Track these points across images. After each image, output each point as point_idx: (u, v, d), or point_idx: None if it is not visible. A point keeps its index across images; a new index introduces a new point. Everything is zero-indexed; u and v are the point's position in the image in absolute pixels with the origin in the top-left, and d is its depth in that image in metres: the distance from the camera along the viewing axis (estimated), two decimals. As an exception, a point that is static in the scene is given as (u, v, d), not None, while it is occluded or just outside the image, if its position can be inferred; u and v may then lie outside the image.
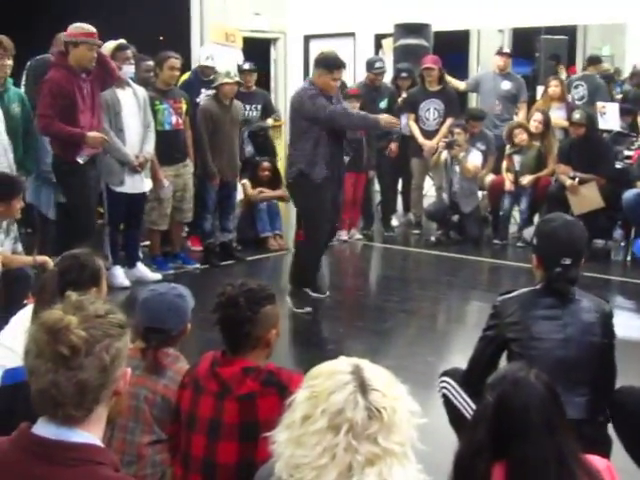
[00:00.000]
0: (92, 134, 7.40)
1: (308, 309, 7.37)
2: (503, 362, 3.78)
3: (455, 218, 10.32)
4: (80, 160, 7.45)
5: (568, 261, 3.70)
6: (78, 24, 7.49)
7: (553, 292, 3.75)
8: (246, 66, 10.76)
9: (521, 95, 10.96)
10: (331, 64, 7.15)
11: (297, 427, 1.97)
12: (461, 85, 11.32)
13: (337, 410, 1.90)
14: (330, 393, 1.91)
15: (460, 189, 10.09)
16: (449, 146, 10.01)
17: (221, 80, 8.91)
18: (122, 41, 8.12)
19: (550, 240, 3.79)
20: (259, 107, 10.54)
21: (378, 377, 1.95)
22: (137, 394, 3.49)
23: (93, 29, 7.46)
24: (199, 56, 9.71)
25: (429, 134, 10.63)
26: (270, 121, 10.87)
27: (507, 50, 11.34)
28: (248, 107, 10.24)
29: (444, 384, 4.05)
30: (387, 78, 11.12)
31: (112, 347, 2.07)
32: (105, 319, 2.10)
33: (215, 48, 11.18)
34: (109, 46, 8.00)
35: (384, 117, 7.42)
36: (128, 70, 8.09)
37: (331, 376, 1.94)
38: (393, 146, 10.60)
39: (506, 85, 10.85)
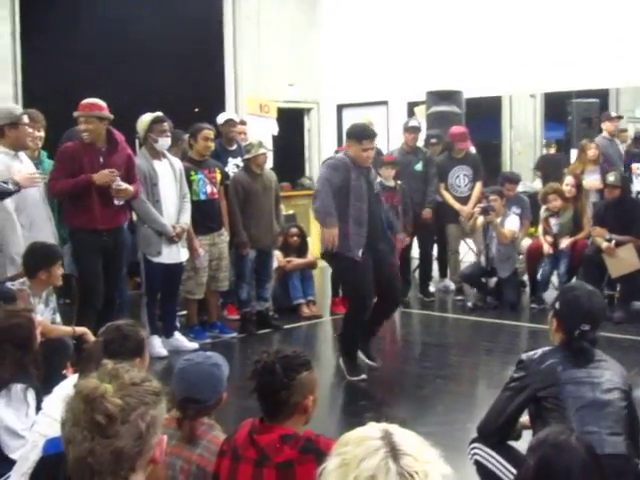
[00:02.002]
0: (98, 174, 7.35)
1: (363, 376, 7.31)
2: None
3: (493, 283, 10.28)
4: (117, 202, 7.51)
5: (587, 327, 3.92)
6: (87, 99, 7.52)
7: (575, 350, 3.92)
8: None
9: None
10: (359, 134, 7.19)
11: (329, 496, 1.95)
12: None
13: (369, 477, 1.87)
14: (361, 460, 1.88)
15: (497, 254, 10.07)
16: (485, 211, 10.01)
17: (255, 152, 9.00)
18: (159, 113, 8.23)
19: (572, 307, 4.00)
20: None
21: (409, 441, 1.92)
22: (173, 464, 3.49)
23: (92, 101, 7.47)
24: (218, 119, 9.75)
25: (462, 200, 10.74)
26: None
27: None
28: None
29: (475, 450, 4.04)
30: (420, 143, 11.20)
31: (148, 414, 2.08)
32: (141, 387, 2.11)
33: (249, 119, 11.30)
34: (145, 119, 8.13)
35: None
36: (164, 142, 8.19)
37: (361, 443, 1.92)
38: (427, 212, 10.62)
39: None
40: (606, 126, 11.04)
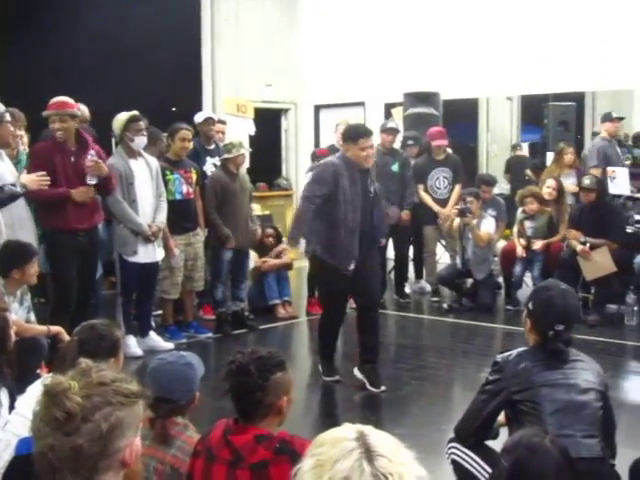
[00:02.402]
0: (77, 192, 7.33)
1: (337, 377, 7.30)
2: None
3: (469, 285, 10.31)
4: (91, 182, 7.44)
5: (561, 327, 3.87)
6: (55, 98, 7.44)
7: (549, 351, 3.89)
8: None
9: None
10: (354, 135, 7.08)
11: (304, 497, 1.95)
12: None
13: (343, 478, 1.85)
14: (335, 461, 1.87)
15: (473, 256, 10.10)
16: (462, 214, 10.03)
17: (236, 152, 8.98)
18: (135, 112, 8.20)
19: (546, 307, 3.95)
20: None
21: (384, 443, 1.92)
22: (147, 465, 3.47)
23: (62, 99, 7.38)
24: (196, 118, 9.71)
25: (441, 202, 10.76)
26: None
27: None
28: None
29: (452, 449, 4.05)
30: (397, 145, 11.20)
31: (112, 415, 2.06)
32: (109, 387, 2.10)
33: (227, 119, 11.28)
34: (122, 118, 8.09)
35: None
36: (140, 141, 8.16)
37: (336, 444, 1.91)
38: (405, 214, 10.62)
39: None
40: (606, 127, 10.89)
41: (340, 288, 7.14)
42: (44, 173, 7.13)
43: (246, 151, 9.17)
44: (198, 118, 9.70)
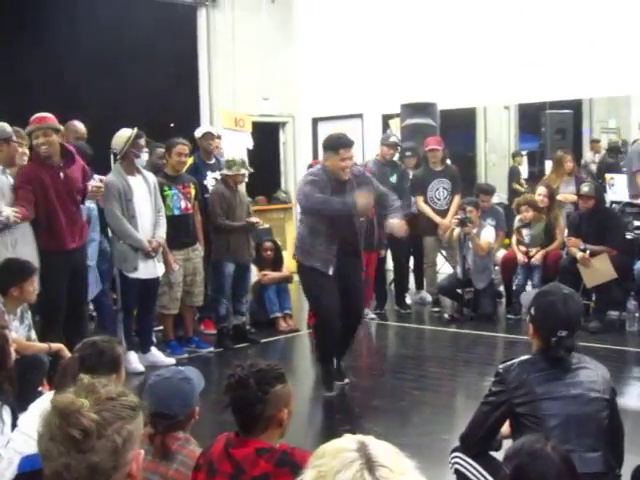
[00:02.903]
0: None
1: (334, 393, 7.32)
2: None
3: (469, 294, 10.31)
4: (89, 204, 7.54)
5: (564, 333, 3.79)
6: (38, 114, 7.37)
7: (551, 360, 3.82)
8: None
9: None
10: (336, 144, 7.08)
11: (305, 508, 1.95)
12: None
13: None
14: (337, 472, 1.86)
15: (473, 265, 10.11)
16: (462, 223, 10.05)
17: (236, 171, 9.01)
18: (136, 129, 8.22)
19: (547, 313, 3.87)
20: None
21: (384, 453, 1.91)
22: (149, 480, 3.47)
23: (43, 114, 7.31)
24: (196, 133, 9.76)
25: (441, 213, 10.78)
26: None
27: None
28: None
29: (456, 459, 4.03)
30: (395, 156, 11.23)
31: (124, 429, 2.07)
32: (117, 401, 2.11)
33: (224, 133, 11.31)
34: (126, 134, 8.10)
35: (361, 201, 7.05)
36: (144, 157, 8.22)
37: (337, 455, 1.91)
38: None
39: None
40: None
41: (328, 288, 7.13)
42: (17, 210, 7.01)
43: (247, 171, 9.19)
44: (197, 133, 9.74)
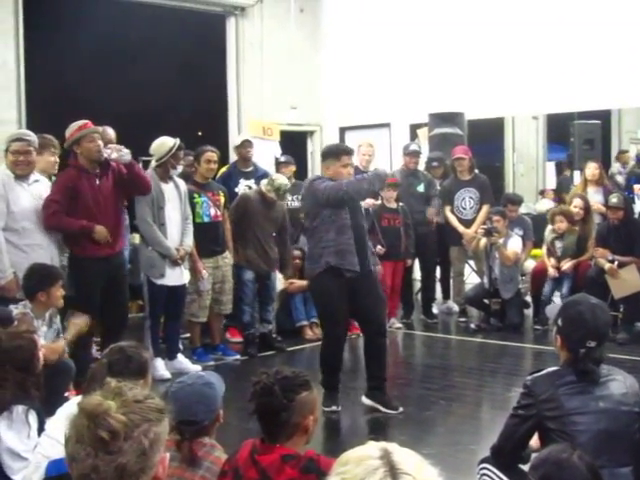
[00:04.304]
0: (98, 231, 7.37)
1: (334, 408, 7.08)
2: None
3: (496, 304, 10.26)
4: (110, 156, 7.49)
5: (593, 344, 3.73)
6: (72, 124, 7.50)
7: (579, 373, 3.75)
8: (282, 159, 10.96)
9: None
10: (338, 151, 7.05)
11: (330, 517, 1.95)
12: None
13: None
14: (360, 479, 1.88)
15: (500, 275, 10.07)
16: (488, 233, 10.02)
17: (273, 196, 9.12)
18: (178, 141, 8.28)
19: (575, 324, 3.81)
20: (300, 197, 10.58)
21: (408, 460, 1.92)
22: (175, 487, 3.48)
23: (85, 121, 7.46)
24: (234, 141, 9.89)
25: (467, 223, 10.74)
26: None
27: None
28: (290, 198, 10.36)
29: (484, 470, 3.99)
30: (421, 166, 11.23)
31: (151, 431, 2.09)
32: (144, 404, 2.13)
33: (253, 142, 11.36)
34: (168, 143, 8.19)
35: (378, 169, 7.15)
36: (179, 169, 8.28)
37: (360, 462, 1.91)
38: (430, 212, 10.71)
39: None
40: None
41: (340, 308, 7.01)
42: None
43: (284, 200, 9.29)
44: (236, 141, 9.90)
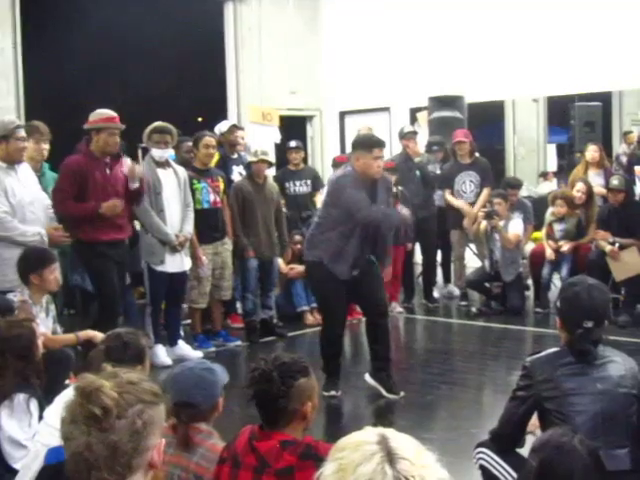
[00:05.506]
0: (106, 206, 7.39)
1: (333, 393, 7.09)
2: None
3: (497, 288, 10.25)
4: (133, 186, 7.59)
5: (590, 324, 3.76)
6: (99, 110, 7.57)
7: (577, 353, 3.78)
8: (292, 144, 10.76)
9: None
10: (368, 143, 6.89)
11: (326, 501, 1.94)
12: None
13: None
14: (357, 465, 1.87)
15: (501, 258, 10.06)
16: (488, 216, 10.00)
17: (261, 155, 9.05)
18: (158, 124, 8.22)
19: (572, 304, 3.85)
20: (309, 182, 10.56)
21: (405, 446, 1.91)
22: (171, 474, 3.48)
23: (114, 114, 7.54)
24: (220, 127, 9.81)
25: (466, 206, 10.69)
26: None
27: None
28: (298, 183, 10.34)
29: (480, 454, 4.01)
30: (421, 150, 11.20)
31: (145, 413, 2.11)
32: (138, 386, 2.15)
33: (252, 127, 11.34)
34: (148, 128, 8.13)
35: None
36: (158, 154, 8.15)
37: (358, 447, 1.91)
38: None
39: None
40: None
41: (339, 296, 7.02)
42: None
43: (265, 160, 9.12)
44: (223, 127, 9.75)
